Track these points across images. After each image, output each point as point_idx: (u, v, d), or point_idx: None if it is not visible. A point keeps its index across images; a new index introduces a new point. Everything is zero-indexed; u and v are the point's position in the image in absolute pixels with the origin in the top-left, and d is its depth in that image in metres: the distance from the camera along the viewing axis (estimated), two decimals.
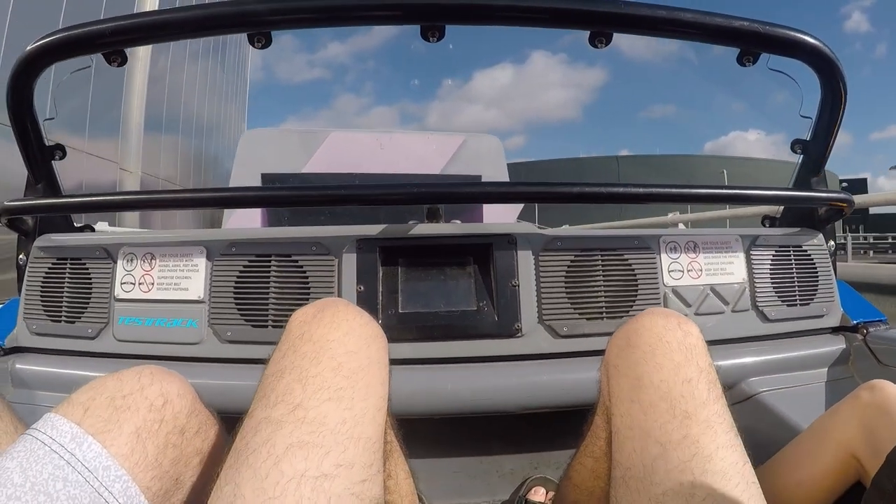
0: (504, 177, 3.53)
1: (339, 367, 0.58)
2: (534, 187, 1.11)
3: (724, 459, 0.56)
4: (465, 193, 1.09)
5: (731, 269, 1.14)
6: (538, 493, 1.09)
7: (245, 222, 2.80)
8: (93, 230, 1.25)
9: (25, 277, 1.11)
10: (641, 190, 1.09)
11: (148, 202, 1.19)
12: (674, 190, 1.12)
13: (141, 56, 10.02)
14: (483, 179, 3.32)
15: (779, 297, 1.15)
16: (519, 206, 3.28)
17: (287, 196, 1.14)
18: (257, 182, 3.07)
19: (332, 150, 3.22)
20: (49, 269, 1.10)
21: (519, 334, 1.05)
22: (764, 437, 0.92)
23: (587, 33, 0.92)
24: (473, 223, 1.13)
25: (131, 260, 1.07)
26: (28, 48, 0.92)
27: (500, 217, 2.90)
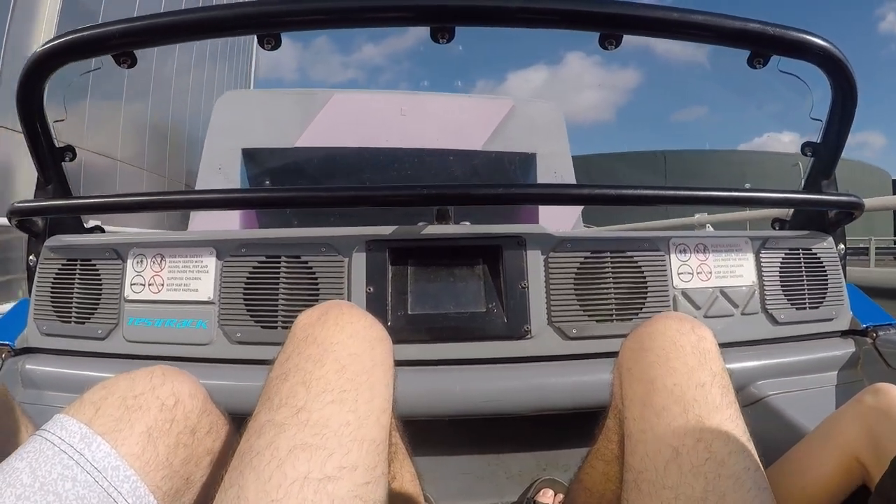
0: (566, 155, 2.80)
1: (343, 369, 0.58)
2: (547, 189, 1.10)
3: (737, 464, 0.56)
4: (475, 196, 1.09)
5: (740, 271, 1.13)
6: (546, 495, 1.09)
7: (218, 222, 2.28)
8: (103, 231, 1.26)
9: (35, 278, 1.11)
10: (651, 192, 1.09)
11: (160, 203, 1.19)
12: (683, 192, 1.12)
13: None
14: (539, 158, 2.76)
15: (788, 300, 1.14)
16: (578, 207, 2.75)
17: (290, 198, 1.12)
18: (237, 159, 2.50)
19: (336, 117, 2.53)
20: (59, 269, 1.10)
21: (528, 336, 1.04)
22: (772, 441, 0.91)
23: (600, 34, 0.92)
24: (483, 224, 1.13)
25: (141, 261, 1.07)
26: (38, 50, 0.93)
27: (558, 218, 2.38)
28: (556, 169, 2.85)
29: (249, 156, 2.50)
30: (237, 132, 2.52)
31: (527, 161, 2.89)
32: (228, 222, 2.33)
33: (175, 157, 11.80)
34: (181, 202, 1.15)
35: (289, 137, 2.53)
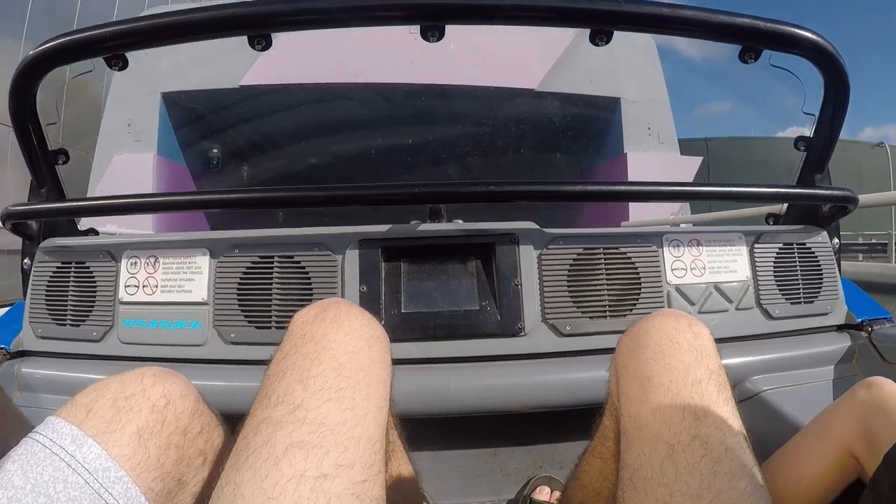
0: (663, 102, 2.20)
1: (341, 367, 0.58)
2: (547, 186, 1.10)
3: (733, 461, 0.56)
4: (468, 193, 1.08)
5: (734, 266, 1.13)
6: (543, 493, 1.09)
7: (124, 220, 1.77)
8: (97, 233, 1.26)
9: (30, 281, 1.11)
10: (645, 188, 1.09)
11: (156, 205, 1.19)
12: (678, 188, 1.12)
13: None
14: (624, 105, 2.15)
15: (783, 294, 1.14)
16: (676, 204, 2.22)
17: (281, 198, 1.09)
18: (154, 109, 1.93)
19: (308, 39, 1.88)
20: (54, 272, 1.10)
21: (522, 333, 1.04)
22: (767, 436, 0.92)
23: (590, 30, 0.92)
24: (476, 222, 1.12)
25: (135, 263, 1.07)
26: (30, 53, 0.92)
27: (657, 210, 1.87)
28: (650, 122, 2.24)
29: (174, 103, 1.99)
30: (155, 70, 1.86)
31: (607, 109, 2.27)
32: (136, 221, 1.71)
33: (81, 114, 7.52)
34: (180, 203, 1.14)
35: (231, 72, 1.93)
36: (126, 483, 0.53)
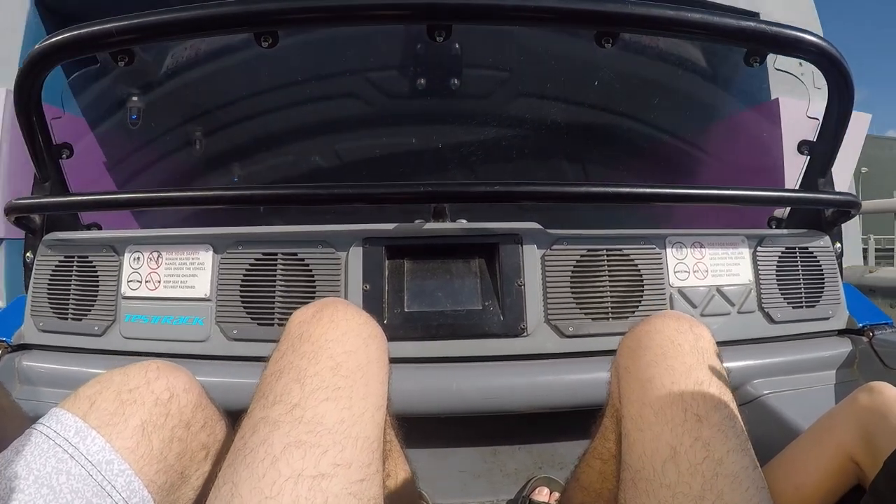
0: (814, 24, 1.81)
1: (338, 366, 0.58)
2: (542, 187, 1.10)
3: (736, 463, 0.56)
4: (472, 193, 1.08)
5: (737, 270, 1.13)
6: (542, 494, 1.09)
7: None
8: (100, 228, 1.26)
9: (33, 275, 1.11)
10: (648, 190, 1.09)
11: (159, 200, 1.19)
12: (679, 190, 1.12)
13: None
14: (761, 19, 1.72)
15: (785, 298, 1.15)
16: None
17: (285, 196, 1.09)
18: (19, 16, 1.58)
19: None
20: (56, 266, 1.10)
21: (524, 334, 1.05)
22: (768, 440, 0.92)
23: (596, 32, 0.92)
24: (481, 222, 1.12)
25: (138, 258, 1.07)
26: (36, 47, 0.92)
27: None
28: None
29: (53, 11, 1.53)
30: None
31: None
32: None
33: None
34: (183, 199, 1.14)
35: None
36: (129, 476, 0.53)
